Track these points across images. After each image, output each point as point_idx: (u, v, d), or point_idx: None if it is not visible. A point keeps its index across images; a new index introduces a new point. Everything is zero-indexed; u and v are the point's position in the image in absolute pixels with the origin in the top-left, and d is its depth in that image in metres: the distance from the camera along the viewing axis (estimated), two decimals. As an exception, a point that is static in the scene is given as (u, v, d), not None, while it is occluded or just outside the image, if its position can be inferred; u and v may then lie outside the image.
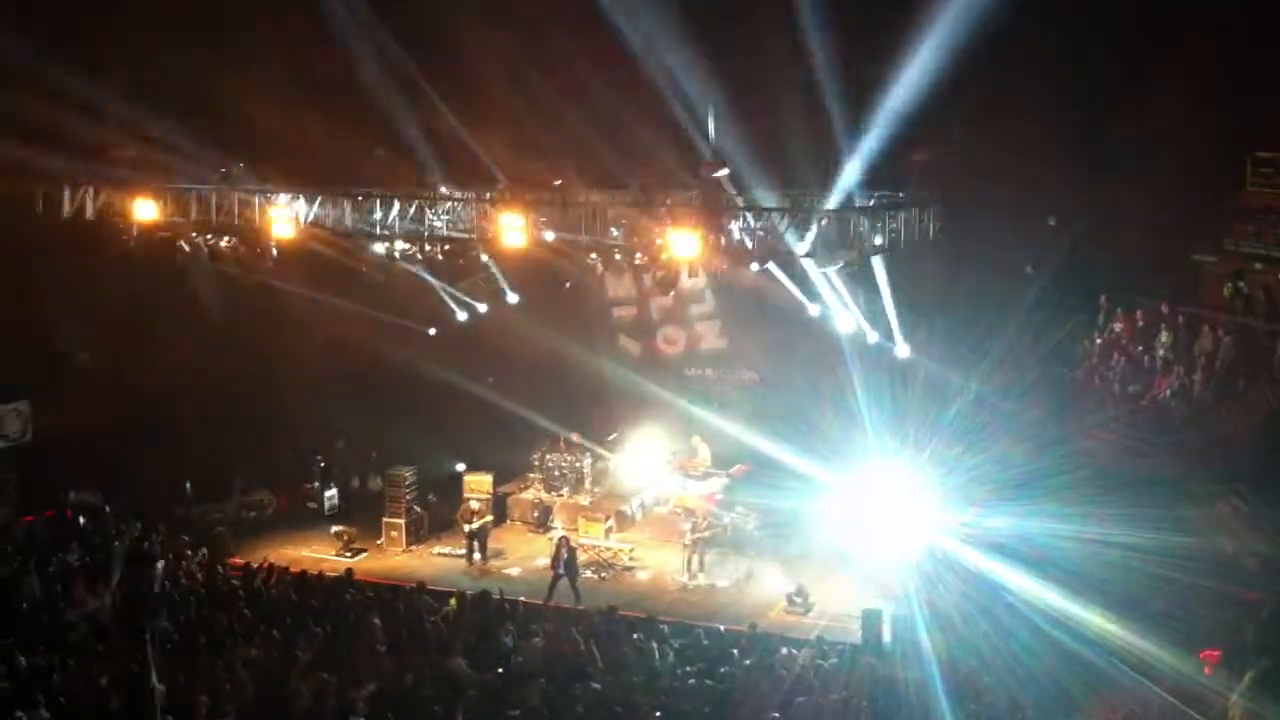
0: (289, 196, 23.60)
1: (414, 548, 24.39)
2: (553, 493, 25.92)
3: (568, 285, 23.28)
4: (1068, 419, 22.76)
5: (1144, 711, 15.58)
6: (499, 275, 26.15)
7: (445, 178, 25.34)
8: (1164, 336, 22.85)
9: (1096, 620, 17.66)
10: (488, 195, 24.05)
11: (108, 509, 23.24)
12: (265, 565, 21.25)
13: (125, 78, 24.71)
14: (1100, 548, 19.81)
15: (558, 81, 24.81)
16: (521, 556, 24.06)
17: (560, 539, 22.31)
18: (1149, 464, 20.54)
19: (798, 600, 21.05)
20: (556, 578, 21.56)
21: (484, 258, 24.87)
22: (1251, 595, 16.36)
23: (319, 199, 23.50)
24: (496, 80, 25.29)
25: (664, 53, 24.03)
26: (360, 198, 23.59)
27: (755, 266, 22.03)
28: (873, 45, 22.66)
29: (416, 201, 23.45)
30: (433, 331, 27.39)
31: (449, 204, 23.71)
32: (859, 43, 22.91)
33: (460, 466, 25.89)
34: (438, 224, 23.60)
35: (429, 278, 26.02)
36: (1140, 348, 23.32)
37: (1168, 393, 21.85)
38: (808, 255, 21.13)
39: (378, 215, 23.40)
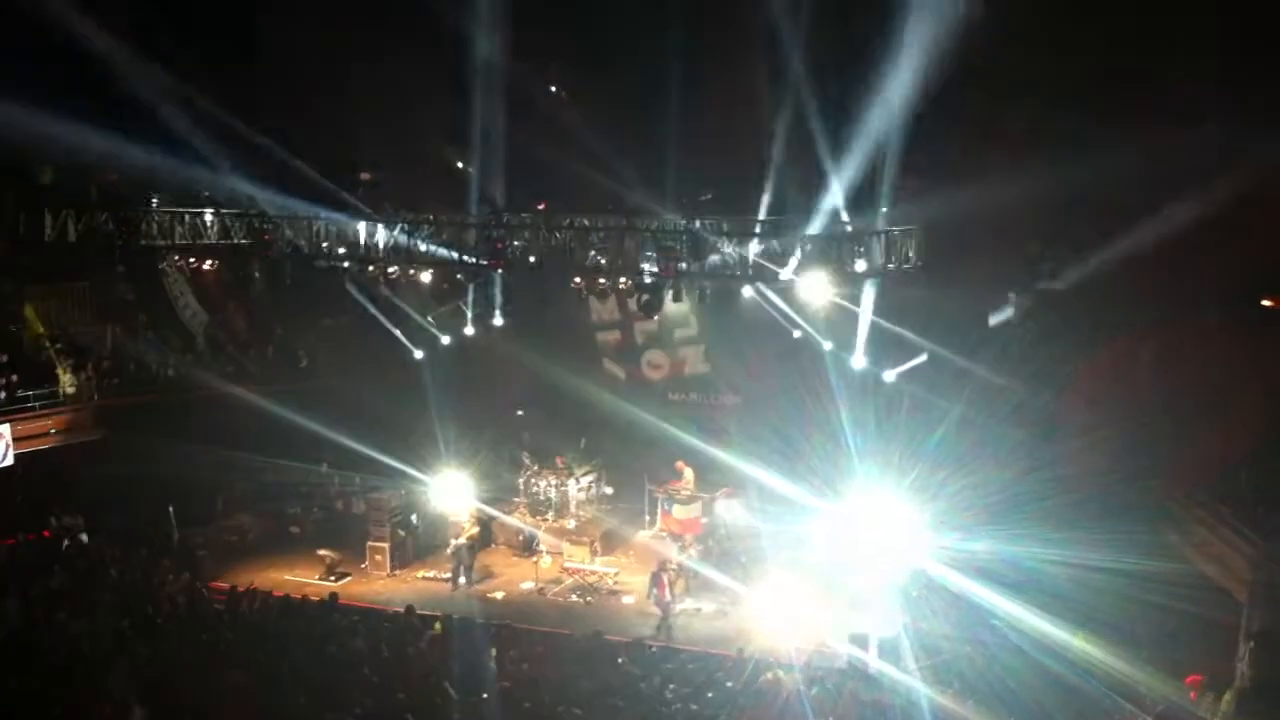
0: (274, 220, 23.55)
1: (398, 571, 24.29)
2: (537, 516, 25.91)
3: (545, 312, 23.22)
4: (1052, 442, 22.84)
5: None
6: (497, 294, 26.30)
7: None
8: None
9: (1081, 644, 17.74)
10: (474, 218, 24.08)
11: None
12: (249, 589, 21.16)
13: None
14: (1085, 572, 19.91)
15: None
16: (506, 580, 23.99)
17: (662, 563, 22.00)
18: (1134, 488, 20.59)
19: (783, 624, 21.02)
20: (667, 611, 21.37)
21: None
22: (1228, 619, 16.43)
23: (309, 221, 23.48)
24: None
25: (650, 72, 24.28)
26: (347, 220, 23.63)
27: (747, 291, 22.04)
28: (858, 71, 22.81)
29: (402, 224, 23.45)
30: (420, 355, 27.33)
31: (435, 226, 23.69)
32: (844, 68, 23.11)
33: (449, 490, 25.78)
34: (423, 246, 23.56)
35: (408, 308, 26.21)
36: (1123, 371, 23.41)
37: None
38: (791, 279, 21.22)
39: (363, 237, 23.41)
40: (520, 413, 28.28)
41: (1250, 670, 14.58)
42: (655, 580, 21.49)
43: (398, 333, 27.03)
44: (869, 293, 22.56)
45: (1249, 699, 14.35)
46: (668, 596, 21.32)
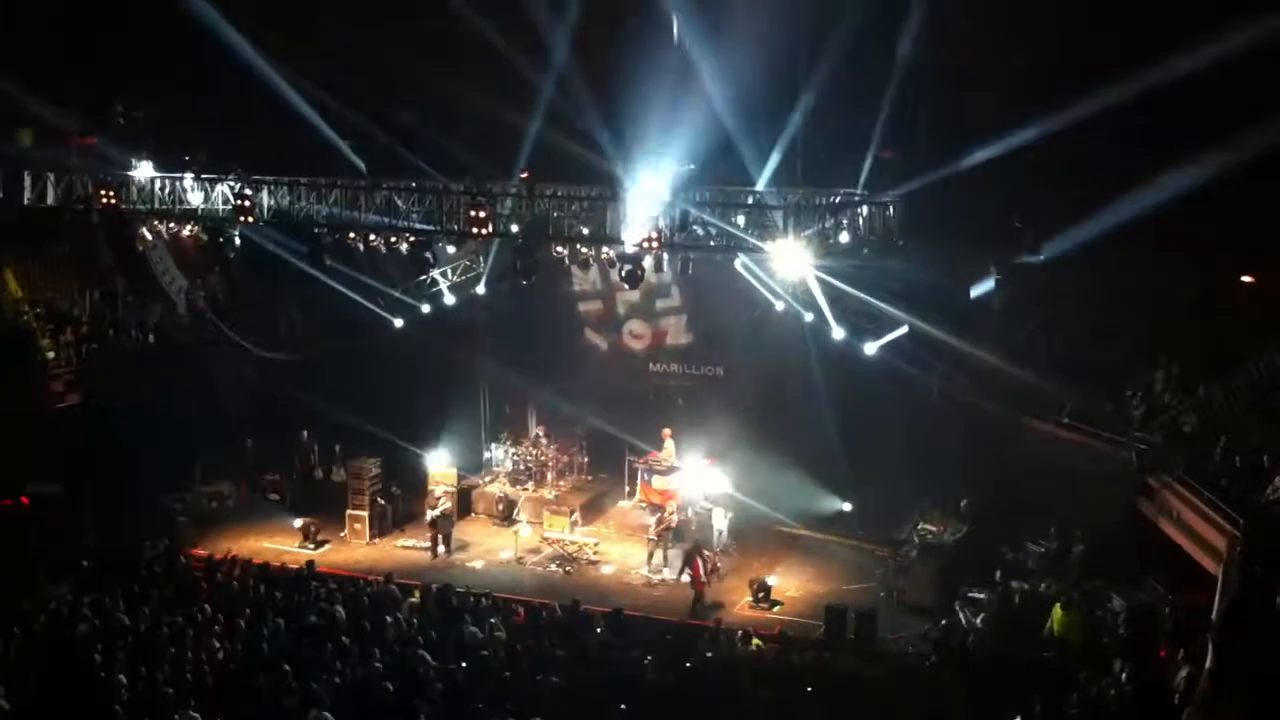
0: (254, 185, 23.24)
1: (377, 540, 24.31)
2: (517, 486, 25.92)
3: (526, 281, 23.00)
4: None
5: None
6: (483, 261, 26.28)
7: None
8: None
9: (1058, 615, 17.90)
10: (457, 187, 23.87)
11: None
12: (228, 556, 21.15)
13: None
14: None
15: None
16: (486, 550, 24.01)
17: (697, 545, 21.80)
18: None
19: (761, 595, 21.12)
20: (701, 591, 21.23)
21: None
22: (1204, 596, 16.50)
23: (285, 188, 23.23)
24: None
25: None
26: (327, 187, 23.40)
27: (739, 262, 21.91)
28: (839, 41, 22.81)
29: (386, 193, 23.20)
30: (400, 323, 27.17)
31: (417, 195, 23.45)
32: (825, 37, 23.09)
33: (428, 459, 25.72)
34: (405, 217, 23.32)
35: (384, 278, 26.22)
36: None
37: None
38: (771, 250, 21.11)
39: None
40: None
41: (1220, 647, 14.65)
42: (689, 561, 21.40)
43: (372, 305, 26.84)
44: (848, 264, 22.43)
45: (1225, 676, 14.42)
46: (703, 578, 21.22)
